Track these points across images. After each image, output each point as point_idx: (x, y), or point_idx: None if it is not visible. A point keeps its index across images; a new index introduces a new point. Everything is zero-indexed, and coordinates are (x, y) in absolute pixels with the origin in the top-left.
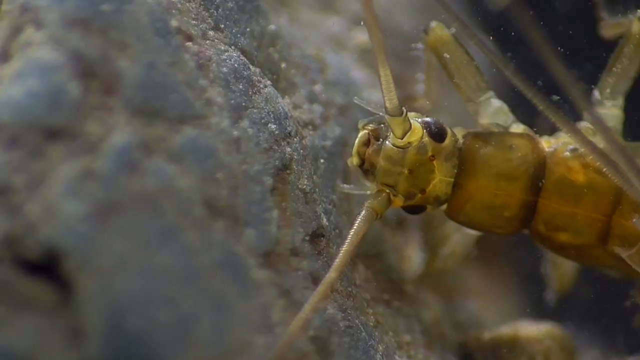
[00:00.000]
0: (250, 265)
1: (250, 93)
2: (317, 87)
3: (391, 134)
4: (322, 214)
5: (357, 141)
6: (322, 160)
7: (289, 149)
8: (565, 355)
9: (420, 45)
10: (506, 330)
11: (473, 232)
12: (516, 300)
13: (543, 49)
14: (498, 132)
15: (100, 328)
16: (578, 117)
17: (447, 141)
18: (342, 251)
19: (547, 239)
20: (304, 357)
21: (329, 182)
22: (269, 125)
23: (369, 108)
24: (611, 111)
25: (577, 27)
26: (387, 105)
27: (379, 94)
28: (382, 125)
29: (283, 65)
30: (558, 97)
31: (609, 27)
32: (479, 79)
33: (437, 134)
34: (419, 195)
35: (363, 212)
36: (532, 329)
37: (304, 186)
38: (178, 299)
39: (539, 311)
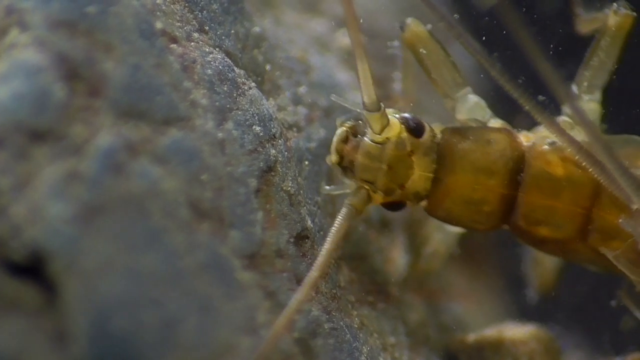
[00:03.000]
0: (235, 267)
1: (234, 95)
2: (302, 89)
3: (369, 130)
4: (307, 216)
5: (335, 138)
6: (306, 162)
7: (273, 151)
8: (550, 357)
9: (396, 43)
10: (491, 332)
11: (454, 230)
12: (501, 302)
13: (524, 42)
14: (476, 126)
15: (86, 330)
16: (557, 112)
17: (426, 136)
18: (323, 250)
19: (527, 233)
20: (289, 358)
21: (313, 184)
22: (254, 127)
23: (347, 105)
24: (589, 105)
25: (562, 24)
26: (365, 100)
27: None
28: (360, 122)
29: (267, 67)
30: (540, 96)
31: (584, 22)
32: (456, 74)
33: (415, 129)
34: (399, 191)
35: (343, 209)
36: (516, 331)
37: (289, 188)
38: (163, 300)
39: (524, 313)
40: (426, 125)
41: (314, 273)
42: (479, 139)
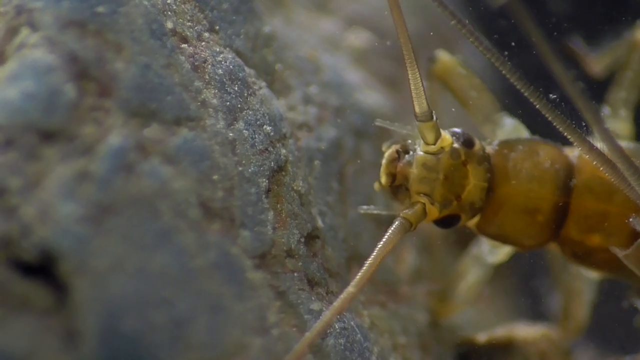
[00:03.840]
0: (246, 267)
1: (245, 95)
2: (312, 89)
3: (421, 143)
4: (317, 216)
5: (384, 161)
6: (317, 162)
7: (284, 151)
8: (561, 357)
9: None
10: (502, 332)
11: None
12: (512, 302)
13: (536, 41)
14: (524, 138)
15: (96, 330)
16: (569, 111)
17: (477, 147)
18: (369, 261)
19: (578, 244)
20: (299, 359)
21: (324, 183)
22: (264, 126)
23: (392, 128)
24: (618, 124)
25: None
26: (417, 110)
27: (373, 95)
28: (408, 141)
29: (278, 66)
30: (552, 94)
31: (597, 61)
32: (491, 100)
33: (466, 140)
34: (455, 202)
35: (396, 222)
36: (527, 331)
37: (299, 188)
38: (174, 300)
39: (535, 313)
40: (474, 137)
41: (355, 285)
42: (529, 149)
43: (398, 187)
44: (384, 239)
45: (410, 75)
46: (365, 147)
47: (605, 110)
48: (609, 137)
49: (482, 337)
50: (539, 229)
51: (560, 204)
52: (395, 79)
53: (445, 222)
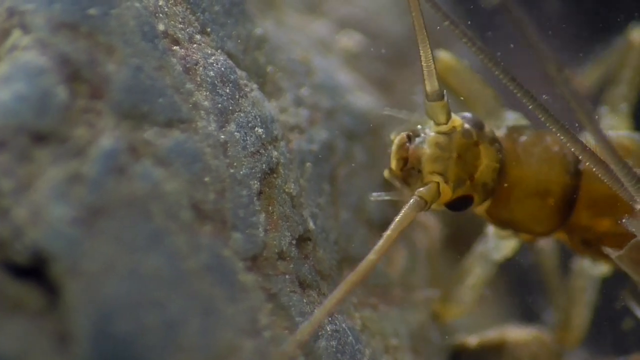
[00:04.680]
0: (238, 269)
1: (237, 97)
2: (304, 91)
3: (431, 125)
4: (309, 218)
5: (394, 146)
6: (308, 164)
7: (275, 153)
8: (552, 359)
9: None
10: (493, 334)
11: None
12: (503, 305)
13: (529, 39)
14: (531, 126)
15: (88, 332)
16: (561, 111)
17: (487, 129)
18: (385, 236)
19: (587, 230)
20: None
21: (315, 185)
22: (256, 129)
23: (400, 116)
24: (619, 119)
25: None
26: (428, 89)
27: (365, 97)
28: (417, 126)
29: (269, 68)
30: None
31: (586, 76)
32: (494, 95)
33: (476, 122)
34: (468, 182)
35: (412, 200)
36: (519, 333)
37: (291, 190)
38: (166, 302)
39: (526, 315)
40: (482, 120)
41: (372, 256)
42: (538, 134)
43: (409, 171)
44: (398, 217)
45: (422, 54)
46: (356, 149)
47: (603, 109)
48: (601, 136)
49: (473, 340)
50: (550, 213)
51: (570, 187)
52: (386, 81)
53: (458, 204)
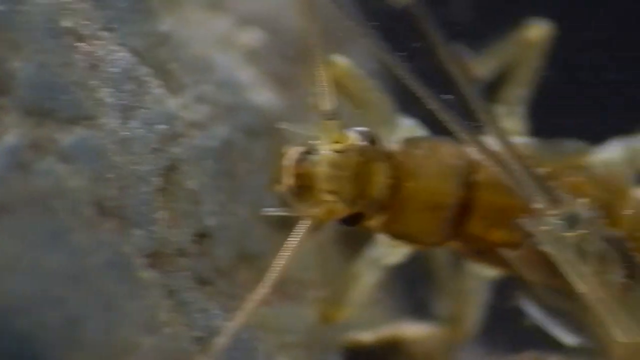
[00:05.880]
0: (138, 266)
1: (140, 93)
2: (205, 88)
3: (325, 143)
4: (209, 215)
5: (289, 162)
6: (209, 161)
7: (177, 150)
8: (447, 355)
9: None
10: (388, 331)
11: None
12: (396, 299)
13: (435, 43)
14: (426, 136)
15: None
16: (463, 112)
17: (381, 144)
18: (278, 263)
19: (480, 240)
20: (188, 358)
21: (215, 182)
22: (159, 125)
23: (297, 131)
24: (516, 121)
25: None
26: (323, 107)
27: (265, 94)
28: (311, 141)
29: (173, 65)
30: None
31: (481, 64)
32: (388, 102)
33: (370, 138)
34: (362, 199)
35: (306, 221)
36: (413, 330)
37: (191, 186)
38: (67, 299)
39: (419, 310)
40: (377, 135)
41: (264, 288)
42: (432, 146)
43: (303, 188)
44: (294, 241)
45: (316, 73)
46: (256, 146)
47: (500, 109)
48: (503, 137)
49: (368, 336)
50: (444, 224)
51: (464, 199)
52: (286, 78)
53: (352, 219)
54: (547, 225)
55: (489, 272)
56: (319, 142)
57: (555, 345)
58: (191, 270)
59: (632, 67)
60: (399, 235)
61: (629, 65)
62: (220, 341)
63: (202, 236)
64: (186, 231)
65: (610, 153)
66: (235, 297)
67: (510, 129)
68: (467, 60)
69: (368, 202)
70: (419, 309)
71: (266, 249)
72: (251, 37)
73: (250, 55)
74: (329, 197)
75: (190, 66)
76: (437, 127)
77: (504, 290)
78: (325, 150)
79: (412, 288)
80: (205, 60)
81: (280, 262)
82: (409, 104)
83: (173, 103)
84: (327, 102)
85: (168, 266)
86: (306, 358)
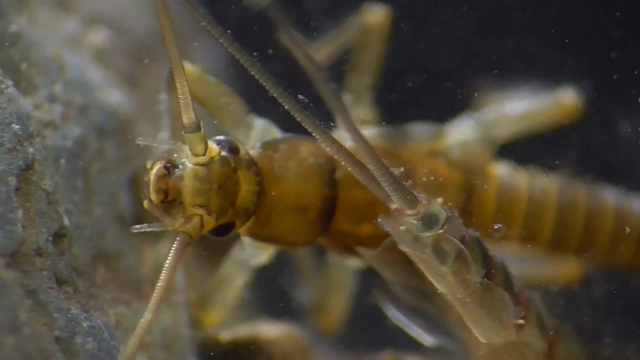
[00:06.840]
0: None
1: None
2: (57, 87)
3: (189, 155)
4: (64, 214)
5: (153, 178)
6: (63, 161)
7: (31, 149)
8: (303, 356)
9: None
10: (245, 331)
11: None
12: (254, 300)
13: (292, 46)
14: (284, 138)
15: None
16: (318, 112)
17: (242, 152)
18: (160, 285)
19: (349, 236)
20: (49, 357)
21: (69, 182)
22: (12, 125)
23: (155, 144)
24: (365, 110)
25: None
26: (185, 121)
27: (115, 94)
28: (173, 155)
29: (24, 65)
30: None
31: (319, 50)
32: (240, 104)
33: (231, 147)
34: (230, 210)
35: (178, 238)
36: (270, 330)
37: (47, 186)
38: None
39: (274, 309)
40: (238, 143)
41: (149, 315)
42: (291, 147)
43: (170, 203)
44: (169, 259)
45: (178, 85)
46: (108, 145)
47: (347, 97)
48: (357, 135)
49: (225, 336)
50: (311, 225)
51: (328, 197)
52: (134, 77)
53: (221, 230)
54: (404, 225)
55: (355, 263)
56: (181, 154)
57: (414, 345)
58: (49, 270)
59: None
60: (266, 239)
61: None
62: None
63: (59, 236)
64: (43, 231)
65: (464, 132)
66: (94, 296)
67: (360, 117)
68: (310, 48)
69: (237, 212)
70: (282, 302)
71: (123, 248)
72: (99, 37)
73: (99, 55)
74: (197, 211)
75: (41, 66)
76: (290, 125)
77: (365, 289)
78: (189, 163)
79: (275, 280)
80: (56, 60)
81: (161, 282)
82: (259, 104)
83: (26, 103)
84: (190, 115)
85: (27, 266)
86: (164, 358)
